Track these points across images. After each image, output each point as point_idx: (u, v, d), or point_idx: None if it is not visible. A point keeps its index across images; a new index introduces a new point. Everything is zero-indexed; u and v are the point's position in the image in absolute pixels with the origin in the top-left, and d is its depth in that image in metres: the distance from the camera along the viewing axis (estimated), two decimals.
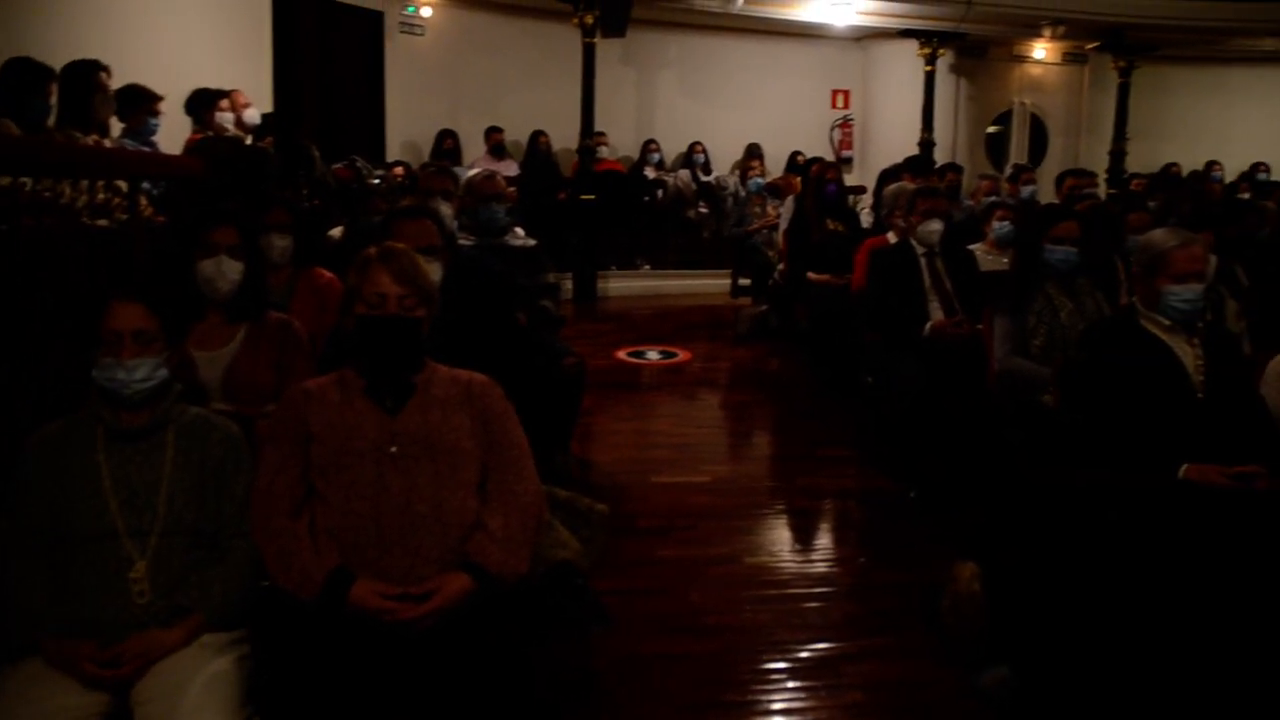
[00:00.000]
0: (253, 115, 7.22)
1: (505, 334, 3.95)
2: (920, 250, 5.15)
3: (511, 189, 7.43)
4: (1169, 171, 12.93)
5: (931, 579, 3.53)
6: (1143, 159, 13.18)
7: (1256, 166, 13.38)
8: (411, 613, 2.19)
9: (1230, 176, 13.15)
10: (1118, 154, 12.99)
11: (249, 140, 7.01)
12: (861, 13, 11.59)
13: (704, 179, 12.17)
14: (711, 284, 10.62)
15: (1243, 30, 12.39)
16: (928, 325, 4.89)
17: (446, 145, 11.18)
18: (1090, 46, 12.93)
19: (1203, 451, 2.93)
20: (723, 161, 12.59)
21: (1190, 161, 13.55)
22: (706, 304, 10.12)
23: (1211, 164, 13.54)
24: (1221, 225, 5.21)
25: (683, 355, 7.85)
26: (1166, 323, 3.16)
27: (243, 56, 8.16)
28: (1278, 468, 2.92)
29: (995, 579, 3.32)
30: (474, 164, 10.47)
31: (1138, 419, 3.00)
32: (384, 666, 2.15)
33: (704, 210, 11.91)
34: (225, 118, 6.93)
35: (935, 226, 5.15)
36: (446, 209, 4.67)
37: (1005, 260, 5.83)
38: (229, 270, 3.20)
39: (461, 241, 4.73)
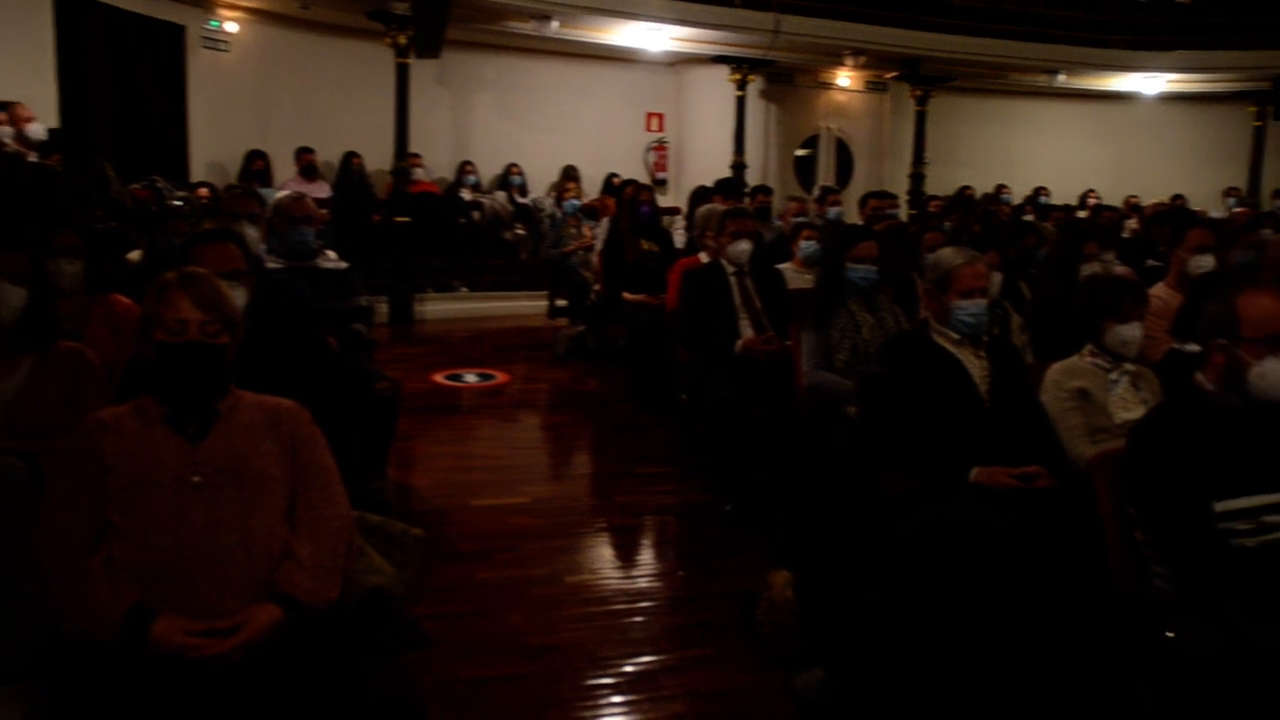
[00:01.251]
0: (36, 130, 6.80)
1: (314, 358, 3.86)
2: (730, 270, 5.31)
3: (323, 211, 7.25)
4: (963, 194, 13.82)
5: (749, 588, 3.63)
6: (941, 182, 14.00)
7: (1039, 190, 14.43)
8: (218, 648, 2.10)
9: (1018, 199, 14.14)
10: (917, 177, 13.74)
11: (33, 157, 6.60)
12: (675, 39, 11.88)
13: (520, 201, 12.20)
14: (529, 305, 10.62)
15: (1020, 67, 13.33)
16: (738, 343, 5.04)
17: (256, 166, 10.82)
18: (890, 76, 13.66)
19: (990, 455, 3.14)
20: (539, 183, 12.66)
21: (983, 185, 14.51)
22: (524, 325, 10.13)
23: (1001, 187, 14.54)
24: (1006, 244, 5.60)
25: (501, 377, 7.83)
26: (956, 337, 3.38)
27: (20, 67, 7.67)
28: (1056, 467, 3.17)
29: (807, 585, 3.44)
30: (284, 185, 10.17)
31: (932, 427, 3.20)
32: (191, 706, 2.05)
33: (521, 232, 11.94)
34: (4, 131, 6.51)
35: (744, 247, 5.32)
36: (252, 232, 4.53)
37: (810, 278, 6.11)
38: (9, 297, 3.01)
39: (270, 265, 4.60)
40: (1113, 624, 2.60)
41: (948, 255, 3.44)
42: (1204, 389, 2.63)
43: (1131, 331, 3.56)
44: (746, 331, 5.14)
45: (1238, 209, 12.84)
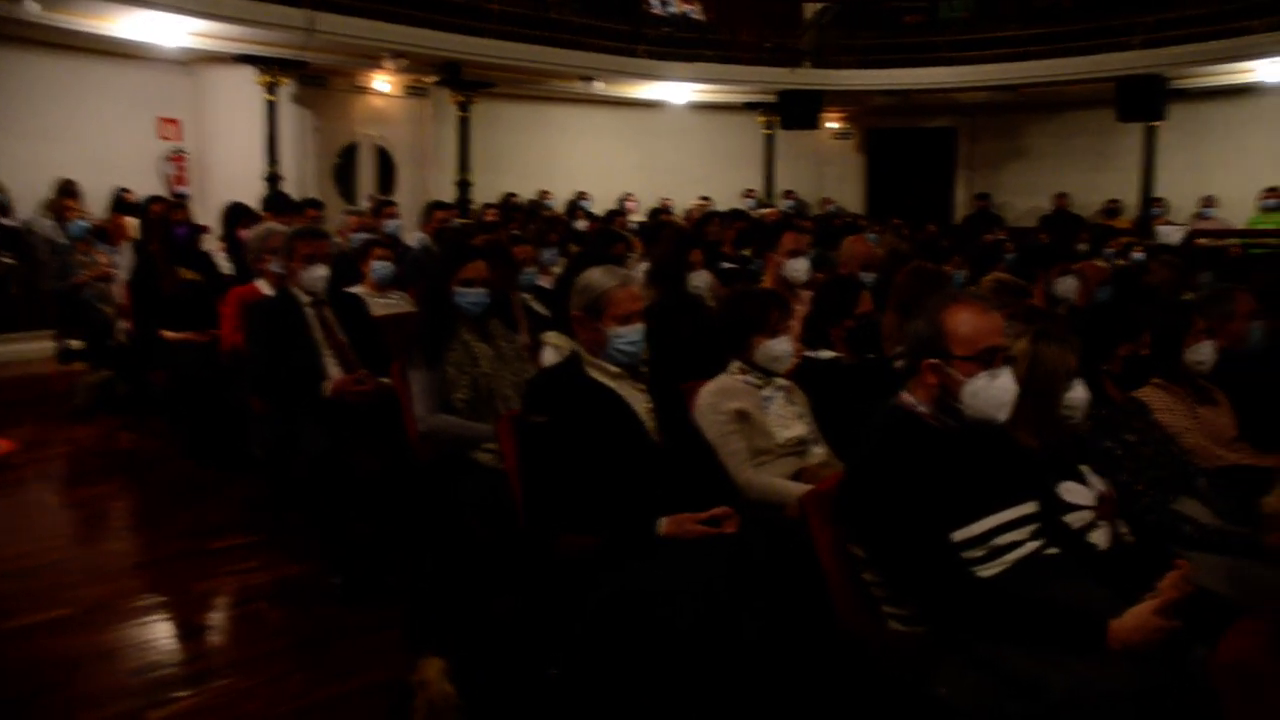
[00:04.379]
0: None
1: None
2: (305, 299, 4.50)
3: None
4: (510, 200, 13.67)
5: (391, 680, 2.95)
6: (485, 190, 13.77)
7: (580, 194, 14.73)
8: None
9: (559, 206, 14.29)
10: (464, 184, 13.39)
11: None
12: (193, 33, 10.44)
13: (5, 222, 10.09)
14: (29, 349, 8.83)
15: (558, 73, 13.45)
16: (326, 385, 4.28)
17: None
18: (431, 80, 13.15)
19: (671, 498, 2.75)
20: (27, 201, 10.53)
21: (526, 191, 14.48)
22: (26, 375, 8.35)
23: (543, 193, 14.62)
24: (597, 256, 5.31)
25: (1, 445, 6.24)
26: (614, 369, 2.95)
27: None
28: (734, 501, 2.84)
29: (469, 671, 2.86)
30: None
31: (605, 476, 2.74)
32: None
33: (9, 260, 9.84)
34: None
35: (321, 272, 4.52)
36: None
37: (397, 301, 5.45)
38: None
39: None
40: (855, 673, 2.30)
41: (598, 277, 2.99)
42: (916, 411, 2.40)
43: (781, 346, 3.39)
44: (334, 371, 4.38)
45: (758, 209, 13.96)
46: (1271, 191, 12.18)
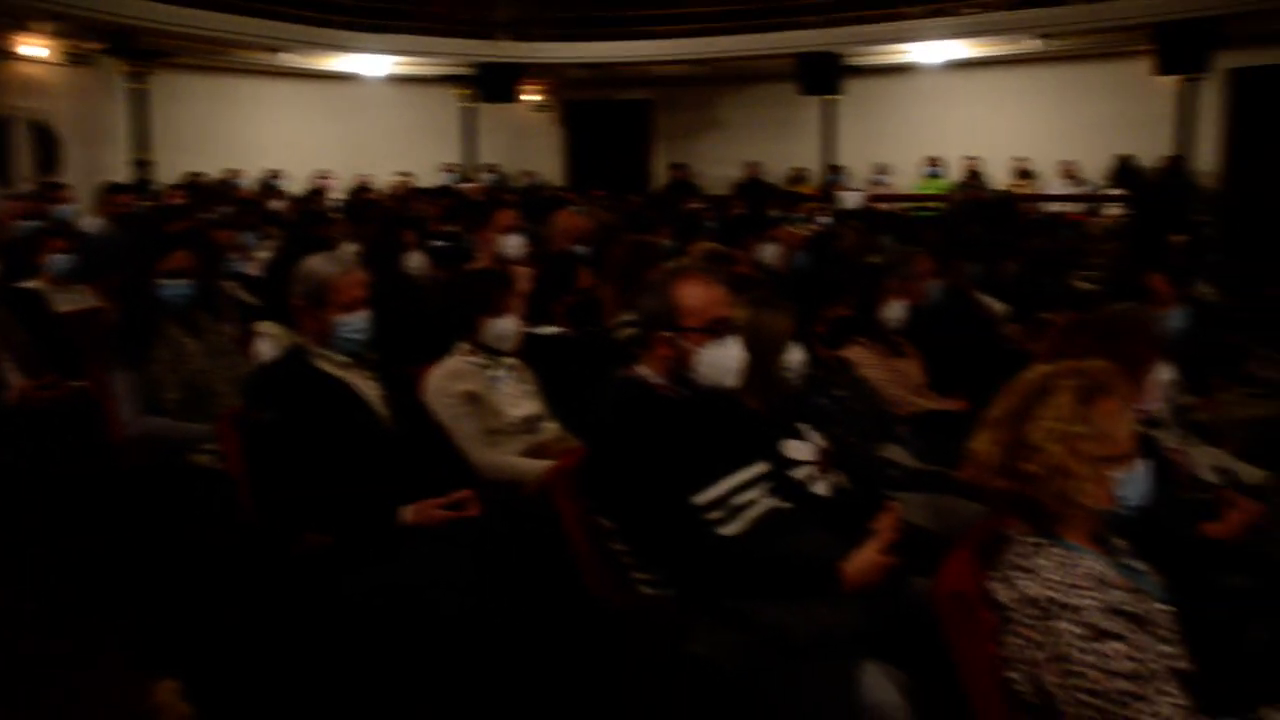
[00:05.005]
0: None
1: None
2: None
3: None
4: (196, 181, 12.76)
5: (116, 712, 2.73)
6: (165, 169, 12.78)
7: (272, 173, 13.98)
8: None
9: (250, 185, 13.50)
10: (142, 164, 12.37)
11: None
12: None
13: None
14: None
15: (241, 43, 12.68)
16: (9, 391, 3.86)
17: None
18: (96, 48, 11.95)
19: (410, 487, 2.70)
20: None
21: (212, 169, 13.57)
22: None
23: (233, 171, 13.74)
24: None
25: None
26: (342, 358, 2.85)
27: None
28: (473, 483, 2.84)
29: (207, 687, 2.70)
30: None
31: (342, 471, 2.65)
32: None
33: None
34: None
35: None
36: None
37: (81, 296, 4.98)
38: None
39: None
40: (611, 641, 2.36)
41: (319, 265, 2.86)
42: (650, 383, 2.48)
43: (507, 325, 3.39)
44: (15, 377, 3.96)
45: (460, 184, 13.83)
46: (932, 160, 13.43)
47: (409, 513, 2.63)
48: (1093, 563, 1.82)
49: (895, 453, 3.33)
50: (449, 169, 15.16)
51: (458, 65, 14.65)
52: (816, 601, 2.16)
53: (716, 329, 2.43)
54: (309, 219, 6.31)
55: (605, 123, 16.56)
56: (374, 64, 14.34)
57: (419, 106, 15.55)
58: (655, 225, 6.57)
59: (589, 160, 16.49)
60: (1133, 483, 1.85)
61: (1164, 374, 3.03)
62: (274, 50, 13.07)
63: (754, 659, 2.11)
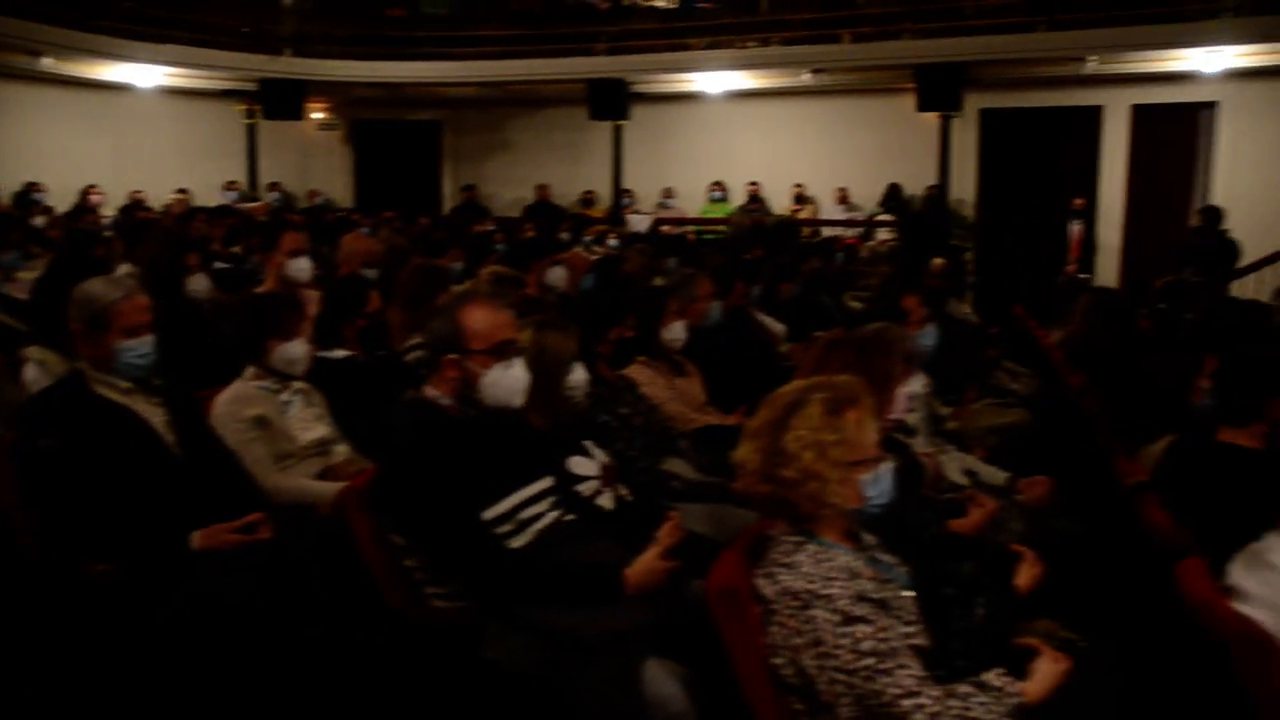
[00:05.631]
0: None
1: None
2: None
3: None
4: None
5: None
6: None
7: (30, 186, 13.00)
8: None
9: (3, 199, 12.52)
10: None
11: None
12: None
13: None
14: None
15: None
16: None
17: None
18: None
19: (200, 513, 2.68)
20: None
21: None
22: None
23: None
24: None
25: None
26: (125, 384, 2.79)
27: None
28: (265, 507, 2.84)
29: None
30: None
31: (127, 499, 2.60)
32: None
33: None
34: None
35: None
36: None
37: None
38: None
39: None
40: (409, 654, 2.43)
41: (99, 289, 2.80)
42: (439, 404, 2.57)
43: (298, 349, 3.38)
44: None
45: (242, 203, 13.38)
46: (717, 185, 13.98)
47: (198, 538, 2.61)
48: (845, 557, 2.03)
49: (677, 466, 3.52)
50: (231, 187, 14.58)
51: (239, 80, 14.15)
52: (602, 605, 2.31)
53: (501, 352, 2.55)
54: (79, 238, 6.00)
55: (394, 143, 16.34)
56: (147, 74, 13.64)
57: (198, 121, 14.87)
58: (445, 248, 6.61)
59: (378, 181, 16.20)
60: (878, 484, 2.08)
61: (914, 386, 3.36)
62: (35, 54, 12.22)
63: (545, 661, 2.23)
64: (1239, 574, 2.18)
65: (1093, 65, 11.44)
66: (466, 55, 14.10)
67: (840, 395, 2.04)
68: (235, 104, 14.70)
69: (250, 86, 14.22)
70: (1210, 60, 11.09)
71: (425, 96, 15.52)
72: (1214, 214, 10.65)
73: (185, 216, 8.76)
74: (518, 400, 2.60)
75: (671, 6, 13.76)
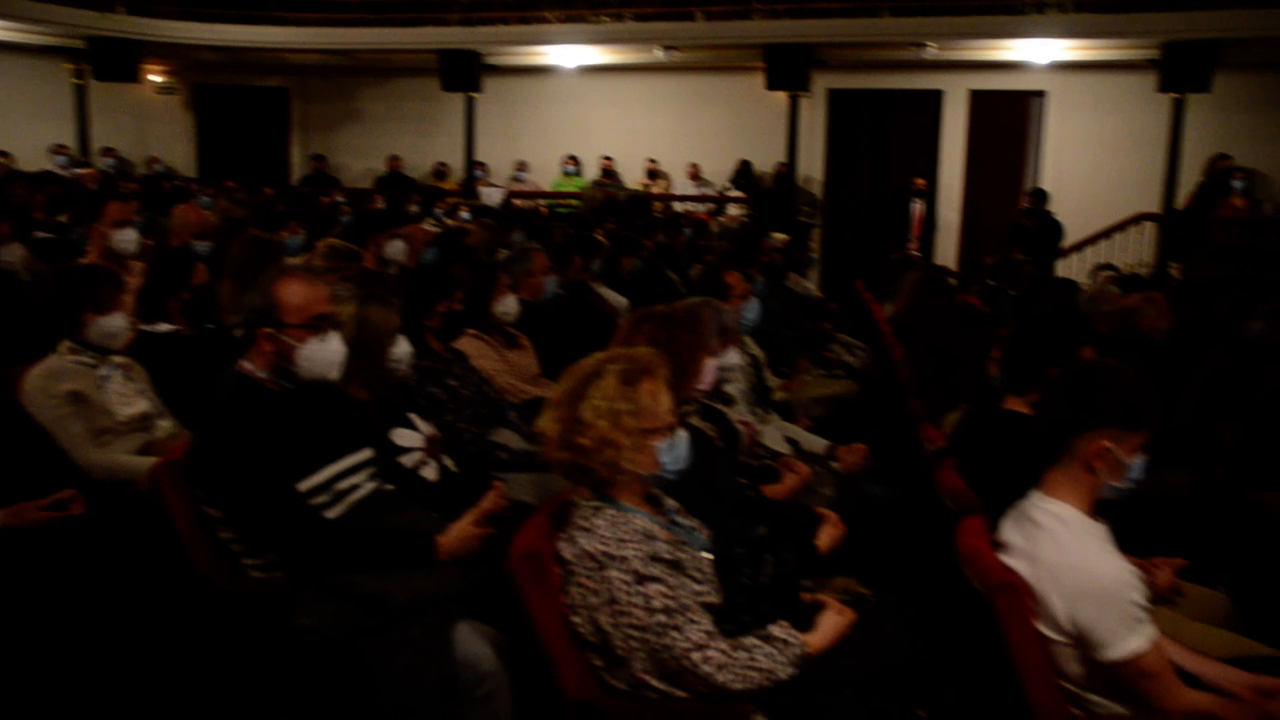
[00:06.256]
0: None
1: None
2: None
3: None
4: None
5: None
6: None
7: None
8: None
9: None
10: None
11: None
12: None
13: None
14: None
15: None
16: None
17: None
18: None
19: (9, 491, 2.63)
20: None
21: None
22: None
23: None
24: None
25: None
26: None
27: None
28: (78, 483, 2.80)
29: None
30: None
31: None
32: None
33: None
34: None
35: None
36: None
37: None
38: None
39: None
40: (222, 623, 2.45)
41: None
42: (255, 377, 2.58)
43: (115, 322, 3.32)
44: None
45: (72, 169, 12.74)
46: (571, 159, 14.00)
47: (3, 516, 2.56)
48: (642, 520, 2.15)
49: (506, 437, 3.59)
50: (60, 151, 13.81)
51: (65, 36, 13.38)
52: (414, 570, 2.37)
53: (318, 325, 2.57)
54: None
55: (240, 110, 15.79)
56: None
57: (19, 79, 13.98)
58: (285, 220, 6.49)
59: (222, 148, 15.65)
60: (674, 450, 2.20)
61: (731, 358, 3.50)
62: None
63: (356, 626, 2.28)
64: (1006, 529, 2.37)
65: (932, 51, 11.89)
66: (314, 20, 13.68)
67: (635, 366, 2.14)
68: (63, 62, 13.92)
69: (79, 44, 13.47)
70: (1040, 51, 11.72)
71: (272, 62, 15.04)
72: (1041, 196, 11.29)
73: (2, 181, 8.30)
74: (334, 373, 2.62)
75: None
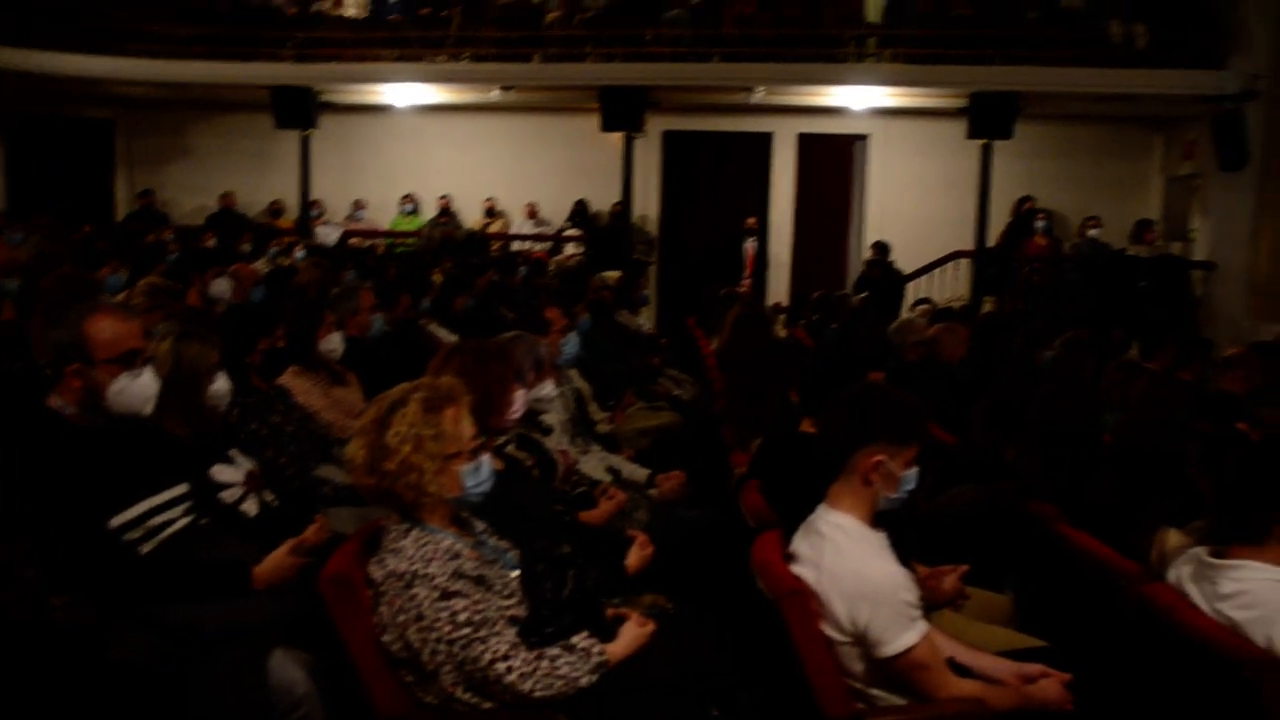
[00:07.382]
0: None
1: None
2: None
3: None
4: None
5: None
6: None
7: None
8: None
9: None
10: None
11: None
12: None
13: None
14: None
15: None
16: None
17: None
18: None
19: None
20: None
21: None
22: None
23: None
24: None
25: None
26: None
27: None
28: None
29: None
30: None
31: None
32: None
33: None
34: None
35: None
36: None
37: None
38: None
39: None
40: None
41: None
42: (63, 414, 2.59)
43: None
44: None
45: None
46: (408, 198, 13.97)
47: None
48: (448, 540, 2.27)
49: (331, 471, 3.64)
50: None
51: None
52: (229, 599, 2.43)
53: (128, 360, 2.60)
54: None
55: (58, 142, 15.06)
56: None
57: None
58: (107, 257, 6.34)
59: (37, 181, 14.85)
60: (478, 474, 2.33)
61: (547, 389, 3.66)
62: None
63: (168, 656, 2.32)
64: (796, 541, 2.59)
65: (760, 95, 12.43)
66: (139, 52, 13.24)
67: (438, 394, 2.27)
68: None
69: None
70: (861, 97, 12.41)
71: (95, 93, 14.44)
72: (884, 249, 12.17)
73: None
74: (147, 408, 2.65)
75: (362, 16, 13.60)
